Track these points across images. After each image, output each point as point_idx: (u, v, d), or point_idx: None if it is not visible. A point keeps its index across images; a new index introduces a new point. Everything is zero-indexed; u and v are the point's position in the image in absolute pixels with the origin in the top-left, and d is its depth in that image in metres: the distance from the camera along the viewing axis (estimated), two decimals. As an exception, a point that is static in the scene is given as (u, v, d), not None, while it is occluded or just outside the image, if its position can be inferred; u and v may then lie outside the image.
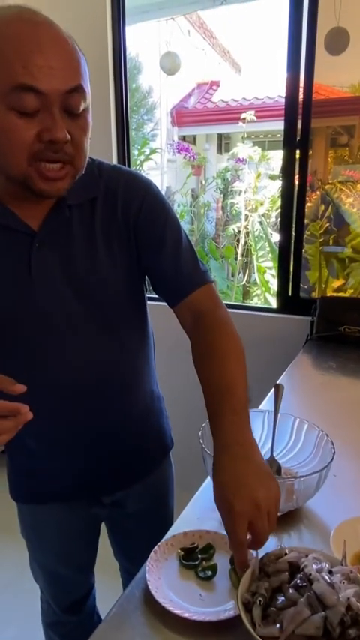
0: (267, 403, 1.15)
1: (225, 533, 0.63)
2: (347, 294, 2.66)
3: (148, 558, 0.68)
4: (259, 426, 0.92)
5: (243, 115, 3.28)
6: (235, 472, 0.64)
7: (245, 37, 6.74)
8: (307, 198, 3.10)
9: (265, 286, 3.37)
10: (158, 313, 1.05)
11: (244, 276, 3.78)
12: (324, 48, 2.31)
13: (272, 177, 5.07)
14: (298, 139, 1.94)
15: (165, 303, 0.90)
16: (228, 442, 0.68)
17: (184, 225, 1.16)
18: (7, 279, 0.79)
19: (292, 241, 2.02)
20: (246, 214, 3.51)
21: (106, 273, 0.83)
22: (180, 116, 6.04)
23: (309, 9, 1.79)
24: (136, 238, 0.86)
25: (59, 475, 0.95)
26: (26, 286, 0.80)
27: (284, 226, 2.03)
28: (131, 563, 1.15)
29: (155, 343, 1.03)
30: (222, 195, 5.13)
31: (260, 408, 1.10)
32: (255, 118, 3.21)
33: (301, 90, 1.86)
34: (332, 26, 2.31)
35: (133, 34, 2.26)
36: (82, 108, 0.69)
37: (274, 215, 4.02)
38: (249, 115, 3.27)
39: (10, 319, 0.81)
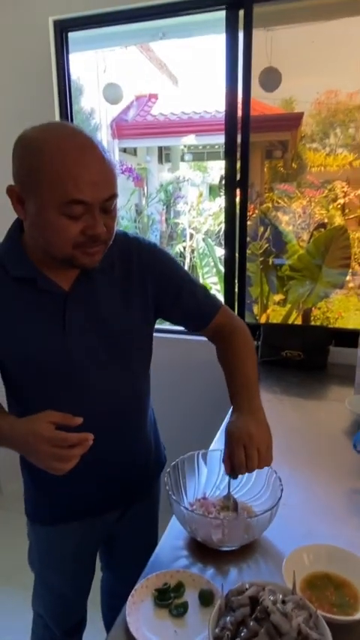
0: (217, 443, 1.26)
1: (193, 571, 0.79)
2: (286, 310, 2.85)
3: (127, 602, 0.77)
4: (217, 465, 1.03)
5: (183, 140, 3.41)
6: (241, 422, 0.92)
7: (182, 54, 6.89)
8: (249, 212, 3.26)
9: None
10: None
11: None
12: (258, 85, 2.49)
13: (213, 190, 5.23)
14: (238, 153, 1.98)
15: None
16: (240, 407, 0.96)
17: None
18: (43, 333, 0.92)
19: (237, 261, 2.08)
20: (190, 233, 3.64)
21: (127, 324, 1.01)
22: (120, 129, 6.09)
23: (244, 43, 1.87)
24: (157, 293, 1.04)
25: (77, 496, 1.06)
26: (60, 339, 0.94)
27: (228, 241, 2.09)
28: (118, 577, 1.31)
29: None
30: (165, 207, 5.24)
31: (211, 448, 1.21)
32: (194, 140, 3.36)
33: (240, 106, 1.92)
34: (265, 63, 2.48)
35: (74, 59, 2.31)
36: (114, 206, 0.87)
37: (217, 230, 4.19)
38: (189, 139, 3.40)
39: (44, 368, 0.94)
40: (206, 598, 0.78)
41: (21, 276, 0.91)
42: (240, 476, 0.94)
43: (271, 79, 2.39)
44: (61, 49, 2.05)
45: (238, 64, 1.92)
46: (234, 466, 0.89)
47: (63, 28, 2.00)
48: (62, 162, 0.79)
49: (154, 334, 1.11)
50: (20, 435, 0.84)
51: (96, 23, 1.99)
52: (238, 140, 1.95)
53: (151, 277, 1.03)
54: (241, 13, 1.83)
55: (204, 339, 1.17)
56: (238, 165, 1.98)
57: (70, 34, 2.07)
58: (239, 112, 1.93)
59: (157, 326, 1.11)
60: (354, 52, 2.41)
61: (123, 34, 2.40)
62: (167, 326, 2.28)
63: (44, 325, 0.93)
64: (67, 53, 2.10)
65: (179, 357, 2.12)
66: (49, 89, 2.08)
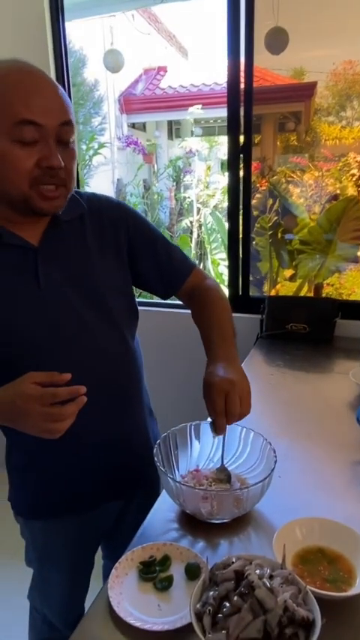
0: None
1: (182, 544, 0.76)
2: (296, 285, 2.77)
3: (110, 575, 0.74)
4: (210, 438, 0.99)
5: (190, 109, 3.31)
6: (220, 370, 0.87)
7: (190, 23, 6.68)
8: (258, 186, 3.17)
9: (219, 278, 3.46)
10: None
11: (199, 268, 3.84)
12: (264, 47, 2.37)
13: (223, 165, 5.10)
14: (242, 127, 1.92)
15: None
16: (216, 357, 0.92)
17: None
18: (17, 294, 0.87)
19: (241, 235, 2.05)
20: (198, 207, 3.56)
21: (105, 278, 0.96)
22: (128, 103, 5.97)
23: (246, 3, 1.79)
24: (131, 247, 1.01)
25: (75, 483, 1.00)
26: (36, 298, 0.88)
27: (232, 218, 2.06)
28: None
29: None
30: (174, 184, 5.14)
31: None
32: (202, 111, 3.25)
33: (242, 78, 1.86)
34: (271, 26, 2.36)
35: (75, 28, 2.23)
36: (72, 139, 0.84)
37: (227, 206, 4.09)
38: (196, 108, 3.30)
39: (23, 331, 0.88)
40: (193, 572, 0.74)
41: None
42: (232, 443, 0.90)
43: (278, 40, 2.27)
44: (56, 11, 1.97)
45: (240, 28, 1.82)
46: (215, 414, 0.85)
47: (57, -12, 1.91)
48: (11, 85, 0.78)
49: (142, 308, 1.07)
50: (5, 403, 0.76)
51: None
52: (242, 113, 1.87)
53: (124, 231, 1.00)
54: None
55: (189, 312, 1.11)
56: (242, 139, 1.90)
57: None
58: (242, 83, 1.84)
59: (144, 299, 1.07)
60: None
61: (121, -2, 2.31)
62: (155, 299, 2.24)
63: (17, 283, 0.88)
64: (63, 17, 2.02)
65: (167, 329, 2.08)
66: (44, 57, 2.01)
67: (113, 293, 0.98)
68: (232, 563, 0.68)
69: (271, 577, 0.66)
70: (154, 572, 0.75)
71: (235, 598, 0.63)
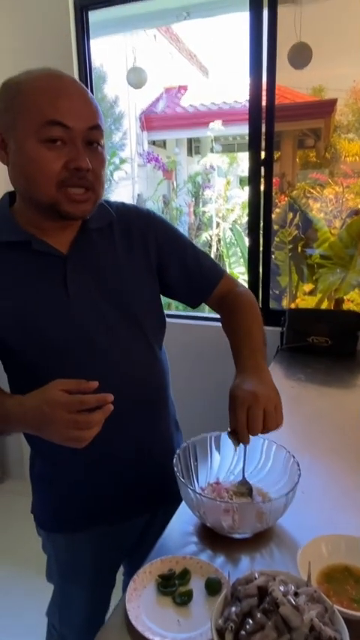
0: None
1: (201, 558, 0.74)
2: (316, 300, 2.74)
3: (128, 587, 0.72)
4: (231, 449, 0.97)
5: (210, 125, 3.34)
6: (246, 383, 0.84)
7: (211, 41, 6.81)
8: (277, 202, 3.16)
9: (238, 292, 3.44)
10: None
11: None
12: (287, 62, 2.39)
13: (242, 181, 5.12)
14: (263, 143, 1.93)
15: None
16: (244, 368, 0.89)
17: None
18: (45, 302, 0.87)
19: (261, 248, 2.05)
20: (217, 222, 3.57)
21: (133, 286, 0.96)
22: (149, 121, 6.07)
23: (268, 21, 1.80)
24: (159, 256, 1.00)
25: (99, 496, 0.99)
26: (64, 306, 0.88)
27: (252, 232, 2.06)
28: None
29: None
30: (194, 200, 5.18)
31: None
32: (222, 128, 3.28)
33: (264, 95, 1.88)
34: (294, 41, 2.38)
35: (98, 44, 2.28)
36: (101, 143, 0.84)
37: (246, 221, 4.11)
38: (216, 124, 3.33)
39: (51, 338, 0.87)
40: (213, 587, 0.72)
41: (12, 239, 0.87)
42: (253, 455, 0.87)
43: (302, 55, 2.29)
44: (82, 30, 2.01)
45: (263, 46, 1.83)
46: (236, 429, 0.83)
47: (83, 7, 1.97)
48: (39, 88, 0.79)
49: (170, 320, 1.05)
50: (32, 409, 0.76)
51: None
52: (263, 130, 1.88)
53: (152, 237, 0.99)
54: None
55: (219, 324, 1.09)
56: (263, 155, 1.91)
57: (92, 15, 2.04)
58: (264, 100, 1.86)
59: (173, 312, 1.06)
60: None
61: (147, 16, 2.36)
62: (184, 312, 2.23)
63: (46, 291, 0.88)
64: (88, 35, 2.07)
65: (194, 341, 2.07)
66: (69, 72, 2.05)
67: (141, 302, 0.97)
68: (255, 578, 0.66)
69: (296, 594, 0.63)
70: (173, 586, 0.73)
71: (259, 615, 0.60)
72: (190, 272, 1.04)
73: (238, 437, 0.84)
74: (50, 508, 1.03)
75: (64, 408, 0.72)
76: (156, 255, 0.99)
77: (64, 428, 0.73)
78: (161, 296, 1.06)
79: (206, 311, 2.28)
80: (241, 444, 0.86)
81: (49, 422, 0.73)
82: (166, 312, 1.08)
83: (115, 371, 0.92)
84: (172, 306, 2.84)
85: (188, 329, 2.10)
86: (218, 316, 1.09)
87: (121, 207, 1.00)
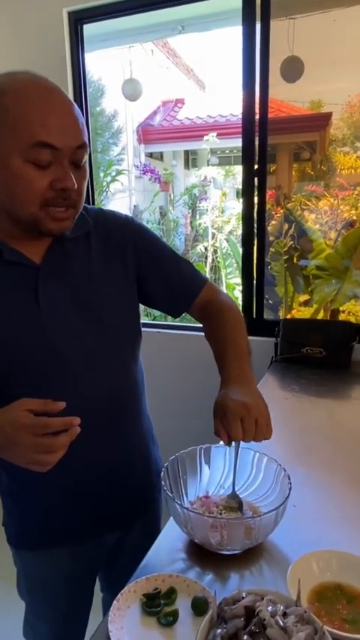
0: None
1: (189, 576, 0.71)
2: (311, 311, 2.73)
3: (111, 607, 0.69)
4: (221, 462, 0.94)
5: (206, 137, 3.36)
6: (235, 393, 0.82)
7: (207, 55, 6.89)
8: (273, 213, 3.17)
9: (234, 303, 3.43)
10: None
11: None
12: (280, 76, 2.40)
13: (239, 194, 5.15)
14: (256, 156, 1.94)
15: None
16: (230, 376, 0.87)
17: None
18: (16, 314, 0.84)
19: (255, 260, 2.04)
20: (213, 233, 3.57)
21: (108, 296, 0.92)
22: (146, 134, 6.11)
23: (261, 35, 1.82)
24: (138, 265, 0.97)
25: (69, 515, 0.95)
26: (35, 318, 0.85)
27: (246, 243, 2.06)
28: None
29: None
30: (190, 211, 5.20)
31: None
32: (217, 140, 3.30)
33: (257, 108, 1.88)
34: (287, 55, 2.40)
35: (94, 59, 2.29)
36: (84, 161, 0.81)
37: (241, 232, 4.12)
38: (211, 136, 3.35)
39: (20, 352, 0.84)
40: (200, 607, 0.69)
41: None
42: (244, 468, 0.86)
43: (293, 68, 2.30)
44: (76, 43, 2.03)
45: (256, 59, 1.84)
46: (234, 441, 0.82)
47: (78, 20, 1.98)
48: (27, 102, 0.74)
49: (149, 329, 1.03)
50: None
51: (111, 13, 1.95)
52: (257, 142, 1.89)
53: (131, 245, 0.96)
54: (259, 0, 1.75)
55: (201, 334, 1.05)
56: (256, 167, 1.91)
57: (86, 29, 2.05)
58: (257, 113, 1.87)
59: (153, 321, 1.03)
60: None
61: (141, 29, 2.38)
62: (164, 321, 2.20)
63: (17, 302, 0.84)
64: (83, 48, 2.08)
65: (170, 352, 2.04)
66: (64, 85, 2.06)
67: (117, 314, 0.94)
68: (243, 598, 0.63)
69: (284, 615, 0.60)
70: (158, 606, 0.70)
71: (245, 637, 0.58)
72: (171, 281, 1.01)
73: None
74: (17, 524, 0.99)
75: (29, 431, 0.69)
76: (135, 263, 0.96)
77: (27, 451, 0.70)
78: (141, 305, 1.03)
79: (185, 321, 2.25)
80: (233, 443, 0.84)
81: (11, 444, 0.70)
82: (143, 321, 1.05)
83: (85, 387, 0.89)
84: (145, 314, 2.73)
85: (163, 338, 2.04)
86: (199, 325, 1.06)
87: (99, 215, 0.97)
